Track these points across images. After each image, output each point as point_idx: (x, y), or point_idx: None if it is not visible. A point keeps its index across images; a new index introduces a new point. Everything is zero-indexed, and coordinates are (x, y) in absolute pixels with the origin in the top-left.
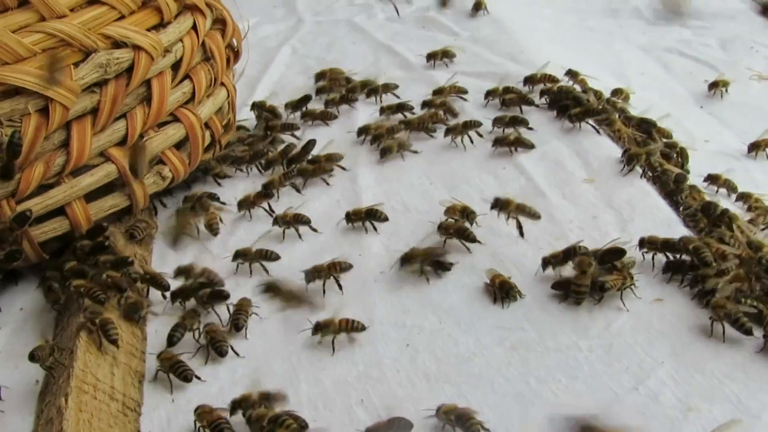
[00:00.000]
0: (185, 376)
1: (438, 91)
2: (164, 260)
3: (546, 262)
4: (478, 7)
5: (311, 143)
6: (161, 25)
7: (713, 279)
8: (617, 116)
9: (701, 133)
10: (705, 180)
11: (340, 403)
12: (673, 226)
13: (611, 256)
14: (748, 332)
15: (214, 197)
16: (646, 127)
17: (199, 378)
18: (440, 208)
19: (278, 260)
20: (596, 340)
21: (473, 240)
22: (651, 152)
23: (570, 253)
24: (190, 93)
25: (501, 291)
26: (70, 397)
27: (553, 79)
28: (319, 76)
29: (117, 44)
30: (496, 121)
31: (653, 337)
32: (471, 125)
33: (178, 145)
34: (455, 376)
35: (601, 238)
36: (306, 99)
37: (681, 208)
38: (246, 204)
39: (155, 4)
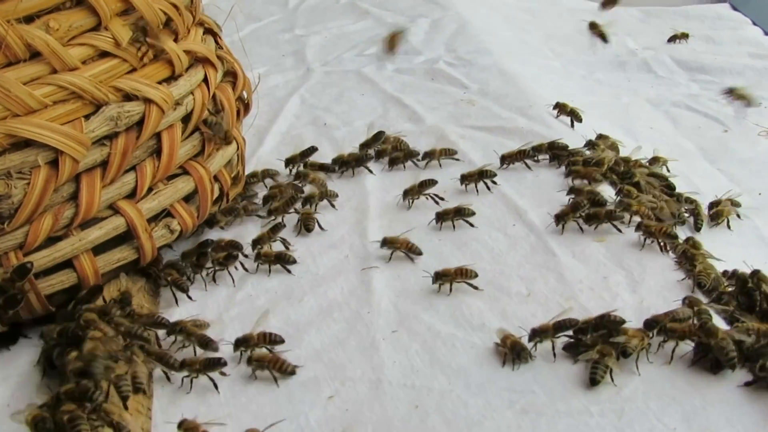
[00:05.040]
0: None
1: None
2: (170, 312)
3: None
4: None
5: (312, 149)
6: (172, 78)
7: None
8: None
9: (709, 189)
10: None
11: None
12: (684, 287)
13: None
14: None
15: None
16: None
17: None
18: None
19: (282, 343)
20: (607, 404)
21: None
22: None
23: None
24: (200, 146)
25: (512, 352)
26: None
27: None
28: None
29: (128, 97)
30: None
31: (665, 403)
32: (427, 185)
33: (187, 198)
34: None
35: (611, 299)
36: (311, 151)
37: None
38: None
39: (167, 57)
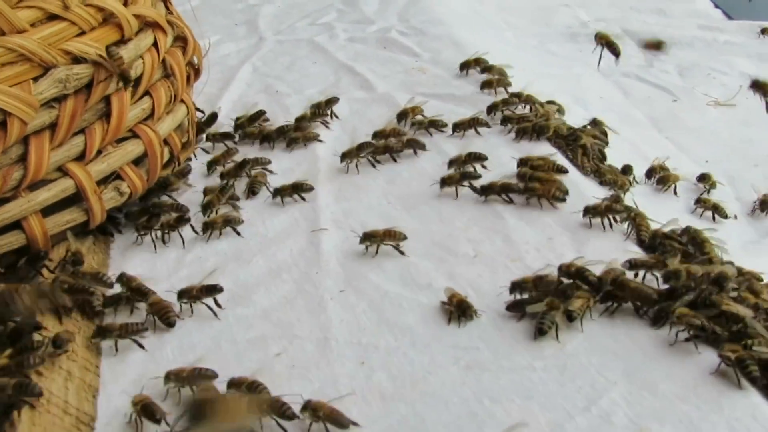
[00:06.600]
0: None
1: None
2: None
3: (514, 287)
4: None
5: (260, 113)
6: (122, 42)
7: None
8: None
9: (659, 157)
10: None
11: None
12: (628, 247)
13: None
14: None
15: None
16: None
17: None
18: None
19: (221, 291)
20: (551, 360)
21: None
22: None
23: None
24: (150, 109)
25: (458, 310)
26: (22, 410)
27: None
28: None
29: (77, 60)
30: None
31: (607, 358)
32: (364, 147)
33: (137, 161)
34: (410, 395)
35: (556, 260)
36: (259, 114)
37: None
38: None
39: (116, 20)
